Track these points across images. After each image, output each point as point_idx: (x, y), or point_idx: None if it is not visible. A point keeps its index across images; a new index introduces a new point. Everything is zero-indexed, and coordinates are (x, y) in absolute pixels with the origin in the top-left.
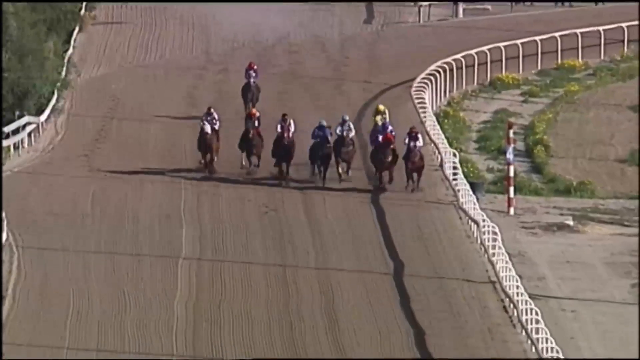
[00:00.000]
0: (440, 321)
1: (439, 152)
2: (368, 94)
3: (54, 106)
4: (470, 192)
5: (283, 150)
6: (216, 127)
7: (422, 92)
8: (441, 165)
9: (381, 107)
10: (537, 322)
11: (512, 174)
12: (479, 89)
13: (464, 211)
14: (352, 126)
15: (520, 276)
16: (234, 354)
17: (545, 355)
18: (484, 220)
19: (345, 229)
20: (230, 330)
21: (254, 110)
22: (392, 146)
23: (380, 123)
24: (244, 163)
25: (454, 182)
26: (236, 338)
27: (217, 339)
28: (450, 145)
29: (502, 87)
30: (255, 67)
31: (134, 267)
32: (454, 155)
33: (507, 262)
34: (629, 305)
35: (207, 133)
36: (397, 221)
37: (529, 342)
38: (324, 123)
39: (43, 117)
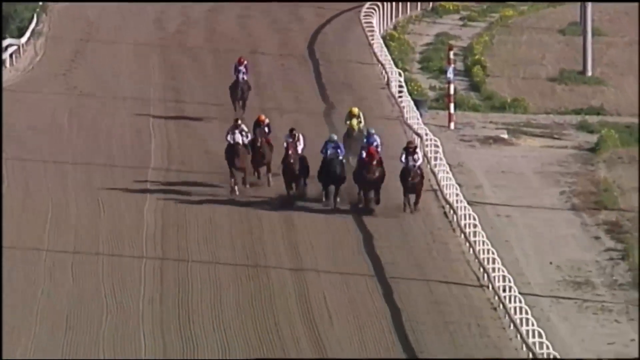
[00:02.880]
0: (387, 226)
1: (386, 72)
2: (321, 19)
3: (33, 29)
4: (414, 109)
5: (290, 169)
6: (246, 140)
7: (370, 17)
8: (388, 84)
9: (355, 110)
10: (475, 226)
11: (452, 91)
12: (422, 14)
13: (409, 126)
14: (378, 139)
15: (459, 185)
16: (199, 256)
17: (482, 257)
18: (426, 134)
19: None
20: (195, 234)
21: (262, 117)
22: (375, 162)
23: (356, 128)
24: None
25: (399, 99)
26: (201, 241)
27: (184, 242)
28: (396, 65)
29: (443, 12)
30: (245, 62)
31: (107, 176)
32: (400, 74)
33: (447, 172)
34: (558, 211)
35: (237, 143)
36: None
37: (467, 244)
38: (335, 137)
39: (23, 39)
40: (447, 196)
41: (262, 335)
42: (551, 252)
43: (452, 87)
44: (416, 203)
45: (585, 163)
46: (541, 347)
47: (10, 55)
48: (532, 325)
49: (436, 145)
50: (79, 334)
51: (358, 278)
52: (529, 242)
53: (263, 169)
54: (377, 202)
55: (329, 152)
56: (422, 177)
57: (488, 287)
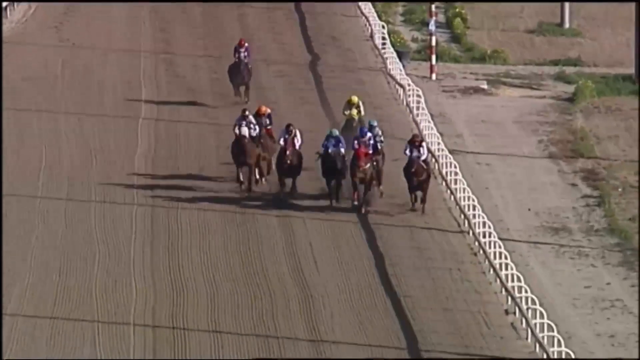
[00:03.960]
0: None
1: (370, 25)
2: None
3: None
4: (397, 60)
5: (286, 165)
6: (254, 133)
7: None
8: (371, 36)
9: (354, 98)
10: (456, 174)
11: (434, 43)
12: None
13: (392, 77)
14: (381, 133)
15: (441, 134)
16: (188, 202)
17: (463, 203)
18: (409, 85)
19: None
20: (185, 181)
21: (263, 108)
22: (363, 161)
23: (356, 118)
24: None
25: (382, 51)
26: (190, 188)
27: (174, 188)
28: (380, 18)
29: None
30: (246, 44)
31: (99, 126)
32: (383, 27)
33: (429, 122)
34: (536, 159)
35: (244, 137)
36: (332, 85)
37: (448, 191)
38: (336, 132)
39: None
40: (429, 145)
41: (249, 277)
42: (529, 199)
43: (433, 39)
44: (423, 201)
45: (563, 112)
46: (520, 291)
47: (5, 8)
48: (511, 269)
49: (418, 96)
50: (72, 278)
51: (342, 224)
52: (508, 189)
53: (263, 164)
54: (360, 198)
55: (330, 149)
56: (428, 174)
57: (468, 233)
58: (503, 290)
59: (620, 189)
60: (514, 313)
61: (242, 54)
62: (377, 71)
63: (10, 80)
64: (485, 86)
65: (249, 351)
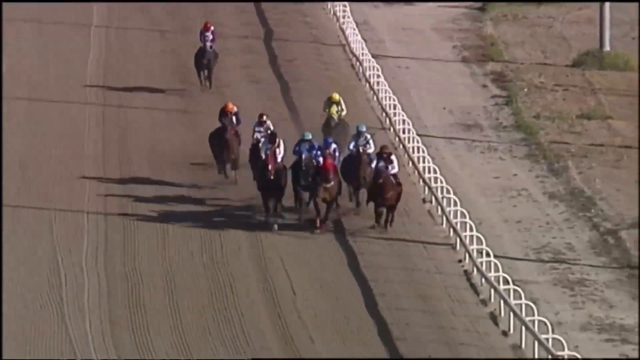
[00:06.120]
0: (300, 76)
1: None
2: None
3: None
4: None
5: (269, 182)
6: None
7: None
8: None
9: (336, 96)
10: (378, 76)
11: None
12: None
13: None
14: (371, 141)
15: (365, 40)
16: (139, 103)
17: (385, 103)
18: None
19: None
20: (135, 81)
21: (230, 105)
22: (332, 174)
23: (336, 117)
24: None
25: None
26: (139, 87)
27: (124, 90)
28: None
29: None
30: (211, 28)
31: (55, 33)
32: None
33: (354, 29)
34: (451, 62)
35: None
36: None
37: (372, 92)
38: (309, 136)
39: None
40: (354, 50)
41: (194, 166)
42: (445, 99)
43: None
44: (387, 221)
45: (475, 21)
46: (436, 182)
47: None
48: (428, 162)
49: (344, 5)
50: (32, 170)
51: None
52: (426, 90)
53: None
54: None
55: (303, 155)
56: (398, 193)
57: (390, 129)
58: (421, 181)
59: (525, 90)
60: (431, 201)
61: (208, 39)
62: None
63: None
64: None
65: (191, 244)
